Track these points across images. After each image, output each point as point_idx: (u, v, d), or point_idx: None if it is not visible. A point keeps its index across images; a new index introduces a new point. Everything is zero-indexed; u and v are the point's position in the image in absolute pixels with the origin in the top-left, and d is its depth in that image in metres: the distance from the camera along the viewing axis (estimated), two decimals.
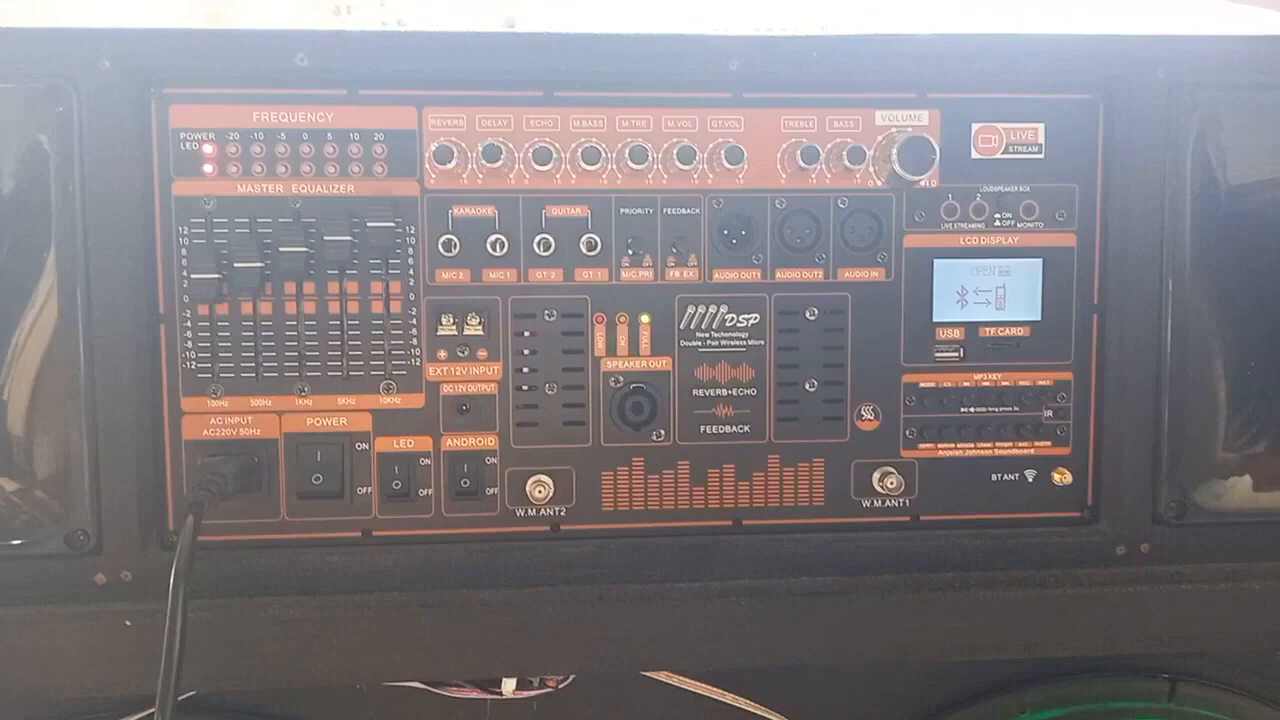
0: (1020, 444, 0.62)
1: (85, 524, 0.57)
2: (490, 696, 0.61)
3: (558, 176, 0.58)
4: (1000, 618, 0.62)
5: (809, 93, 0.59)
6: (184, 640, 0.50)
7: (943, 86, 0.60)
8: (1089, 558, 0.62)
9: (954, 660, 0.64)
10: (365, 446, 0.59)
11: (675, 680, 0.64)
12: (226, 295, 0.57)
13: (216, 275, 0.57)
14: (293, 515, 0.59)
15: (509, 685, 0.61)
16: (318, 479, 0.59)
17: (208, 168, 0.57)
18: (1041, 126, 0.60)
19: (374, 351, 0.59)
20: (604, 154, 0.58)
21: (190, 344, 0.58)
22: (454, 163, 0.57)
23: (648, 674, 0.64)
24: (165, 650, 0.49)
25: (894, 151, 0.58)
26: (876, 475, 0.62)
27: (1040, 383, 0.62)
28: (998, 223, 0.61)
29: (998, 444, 0.62)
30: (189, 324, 0.58)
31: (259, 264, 0.57)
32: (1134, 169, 0.60)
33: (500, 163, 0.57)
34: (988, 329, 0.61)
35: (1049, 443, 0.62)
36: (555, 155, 0.58)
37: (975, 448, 0.62)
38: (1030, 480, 0.62)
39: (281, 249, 0.57)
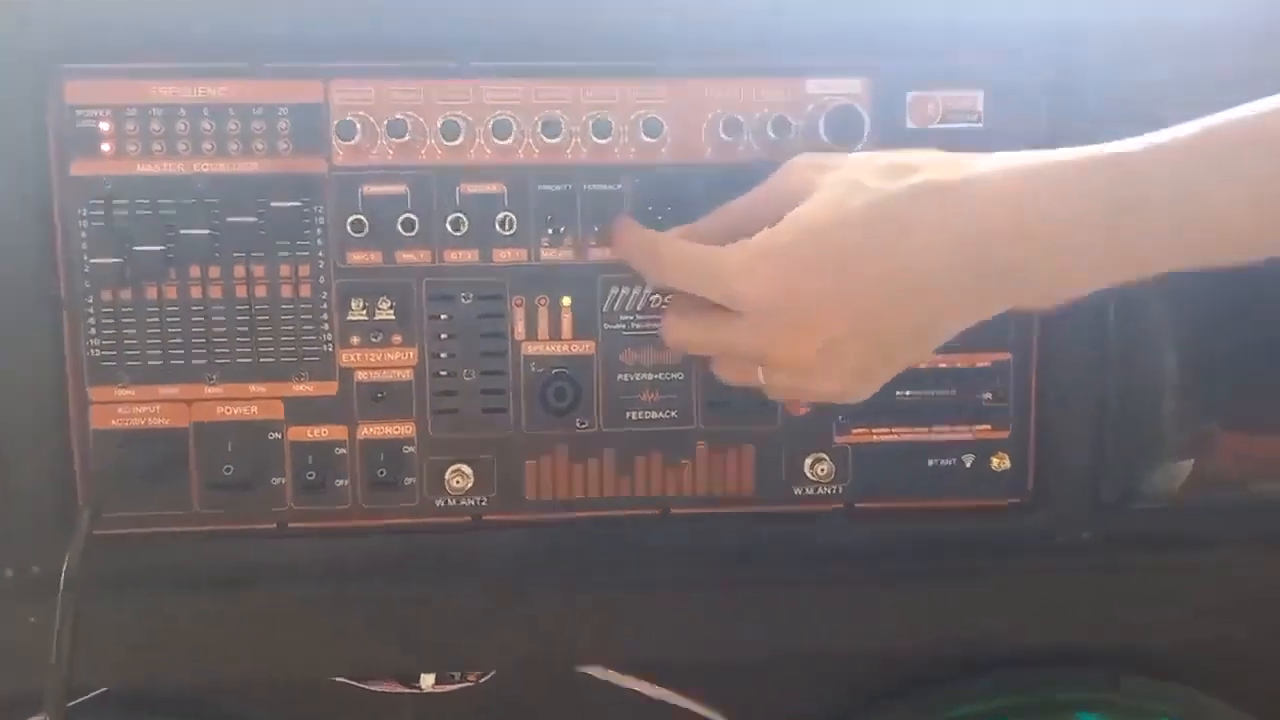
0: (958, 428, 0.60)
1: None
2: (410, 690, 0.60)
3: (471, 152, 0.56)
4: (937, 607, 0.61)
5: (734, 61, 0.56)
6: (76, 637, 0.48)
7: (875, 52, 0.57)
8: (1029, 545, 0.60)
9: (888, 651, 0.62)
10: (278, 436, 0.57)
11: (604, 674, 0.62)
12: (129, 280, 0.55)
13: (118, 259, 0.55)
14: (205, 507, 0.57)
15: (428, 679, 0.59)
16: (229, 469, 0.57)
17: (105, 146, 0.55)
18: (980, 94, 0.58)
19: (284, 337, 0.57)
20: (517, 127, 0.55)
21: (94, 331, 0.56)
22: (361, 138, 0.55)
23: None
24: (55, 647, 0.48)
25: (820, 122, 0.55)
26: (808, 462, 0.60)
27: (978, 364, 0.60)
28: None
29: (934, 428, 0.60)
30: (92, 311, 0.56)
31: (160, 247, 0.55)
32: (1077, 138, 0.57)
33: (409, 137, 0.55)
34: None
35: (988, 426, 0.60)
36: (467, 129, 0.55)
37: (911, 432, 0.60)
38: (968, 466, 0.60)
39: (184, 231, 0.55)
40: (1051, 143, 0.57)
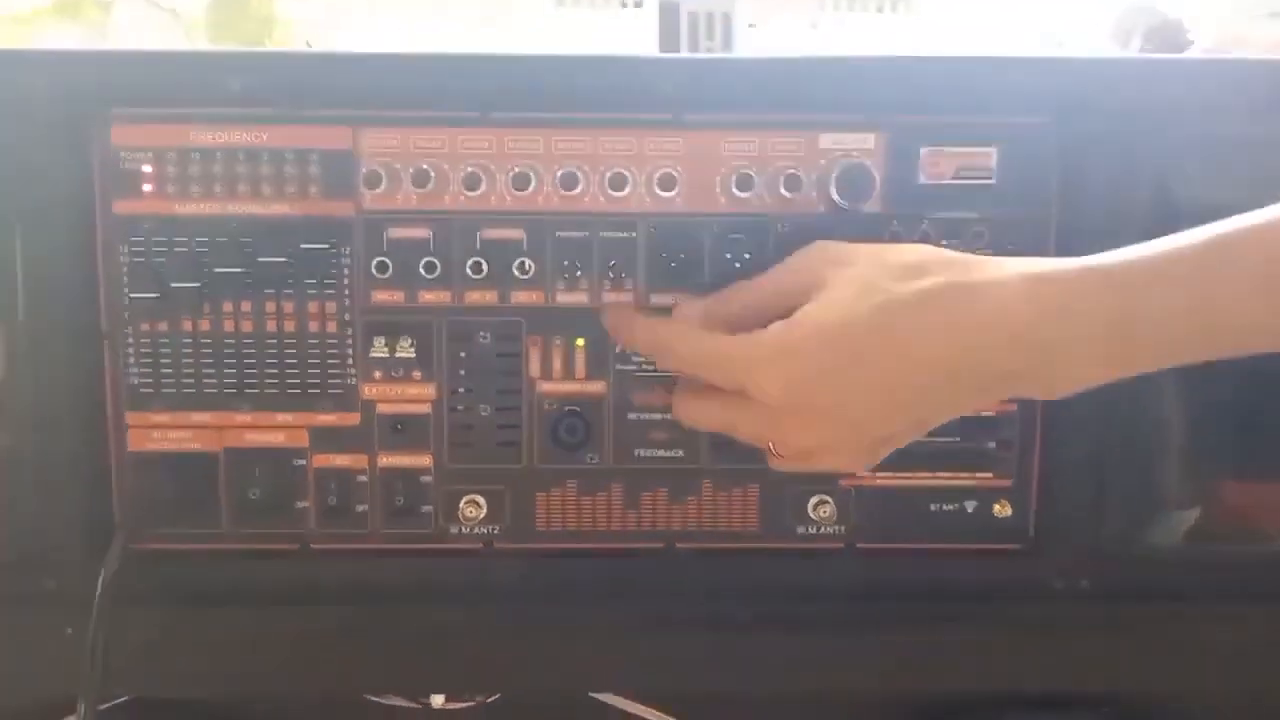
0: (961, 474, 0.61)
1: (34, 531, 0.59)
2: (419, 706, 0.62)
3: (492, 199, 0.58)
4: (935, 650, 0.62)
5: (750, 114, 0.58)
6: (108, 648, 0.51)
7: (890, 109, 0.58)
8: (1027, 592, 0.61)
9: (886, 691, 0.64)
10: (303, 463, 0.60)
11: (610, 699, 0.65)
12: (166, 313, 0.58)
13: (155, 294, 0.58)
14: (233, 527, 0.60)
15: (438, 698, 0.62)
16: (256, 493, 0.60)
17: (147, 187, 0.58)
18: (994, 151, 0.59)
19: (310, 370, 0.59)
20: (535, 178, 0.57)
21: (133, 360, 0.59)
22: (386, 185, 0.57)
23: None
24: (90, 656, 0.51)
25: (831, 179, 0.57)
26: (812, 503, 0.61)
27: (984, 413, 0.61)
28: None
29: (937, 474, 0.61)
30: (131, 341, 0.59)
31: (196, 284, 0.58)
32: (1089, 196, 0.58)
33: (433, 186, 0.57)
34: None
35: (990, 474, 0.61)
36: (489, 178, 0.57)
37: (914, 477, 0.61)
38: (970, 512, 0.61)
39: (218, 269, 0.58)
40: (1062, 200, 0.59)
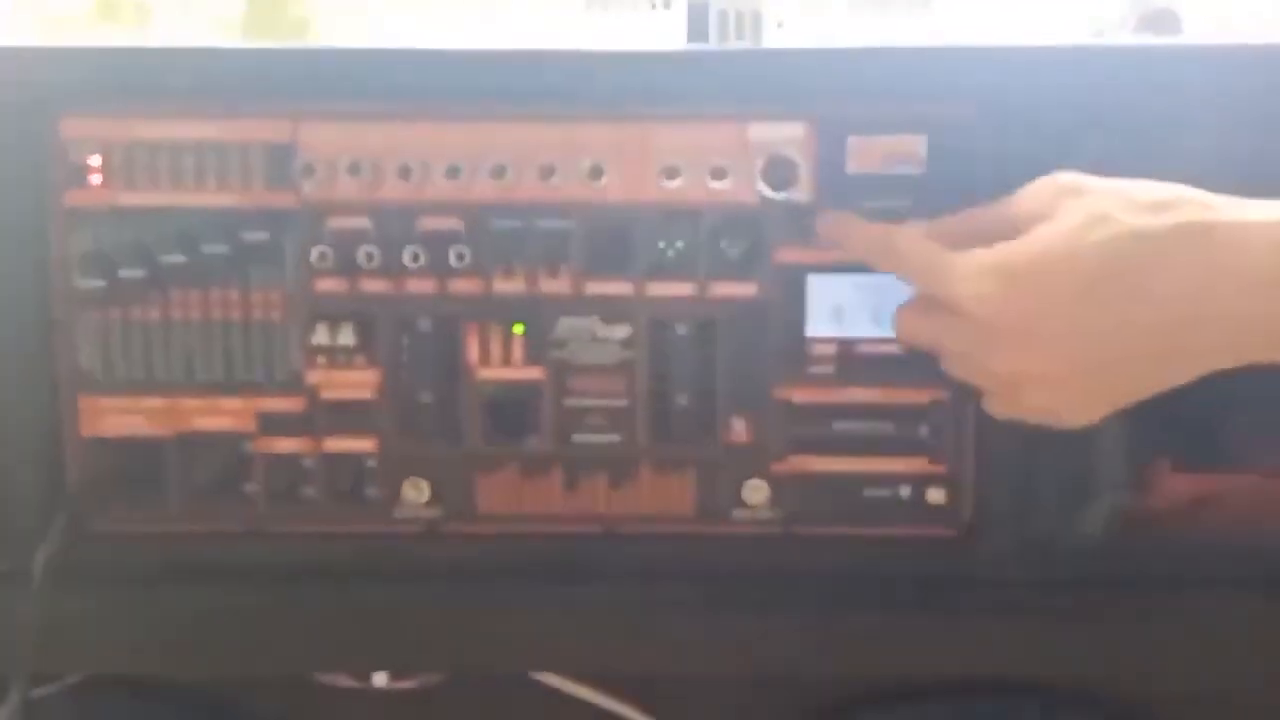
0: (894, 460, 0.62)
1: None
2: (363, 685, 0.64)
3: (429, 189, 0.59)
4: (869, 634, 0.63)
5: (679, 106, 0.59)
6: (48, 628, 0.53)
7: (818, 99, 0.59)
8: (959, 580, 0.62)
9: (820, 674, 0.65)
10: (251, 447, 0.62)
11: (553, 680, 0.66)
12: (115, 301, 0.60)
13: (104, 283, 0.60)
14: (182, 510, 0.62)
15: (381, 677, 0.64)
16: (205, 476, 0.62)
17: (95, 179, 0.59)
18: (923, 139, 0.59)
19: (256, 357, 0.61)
20: (469, 169, 0.59)
21: (84, 347, 0.61)
22: (326, 177, 0.59)
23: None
24: (18, 635, 0.53)
25: (757, 168, 0.58)
26: (747, 488, 0.62)
27: (917, 400, 0.61)
28: None
29: (871, 460, 0.62)
30: (82, 328, 0.61)
31: (143, 272, 0.60)
32: (1018, 184, 0.59)
33: (370, 177, 0.59)
34: (863, 345, 0.61)
35: (924, 459, 0.62)
36: (424, 170, 0.59)
37: (848, 462, 0.62)
38: (904, 498, 0.62)
39: (164, 259, 0.60)
40: (992, 188, 0.59)
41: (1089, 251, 0.45)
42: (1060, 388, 0.48)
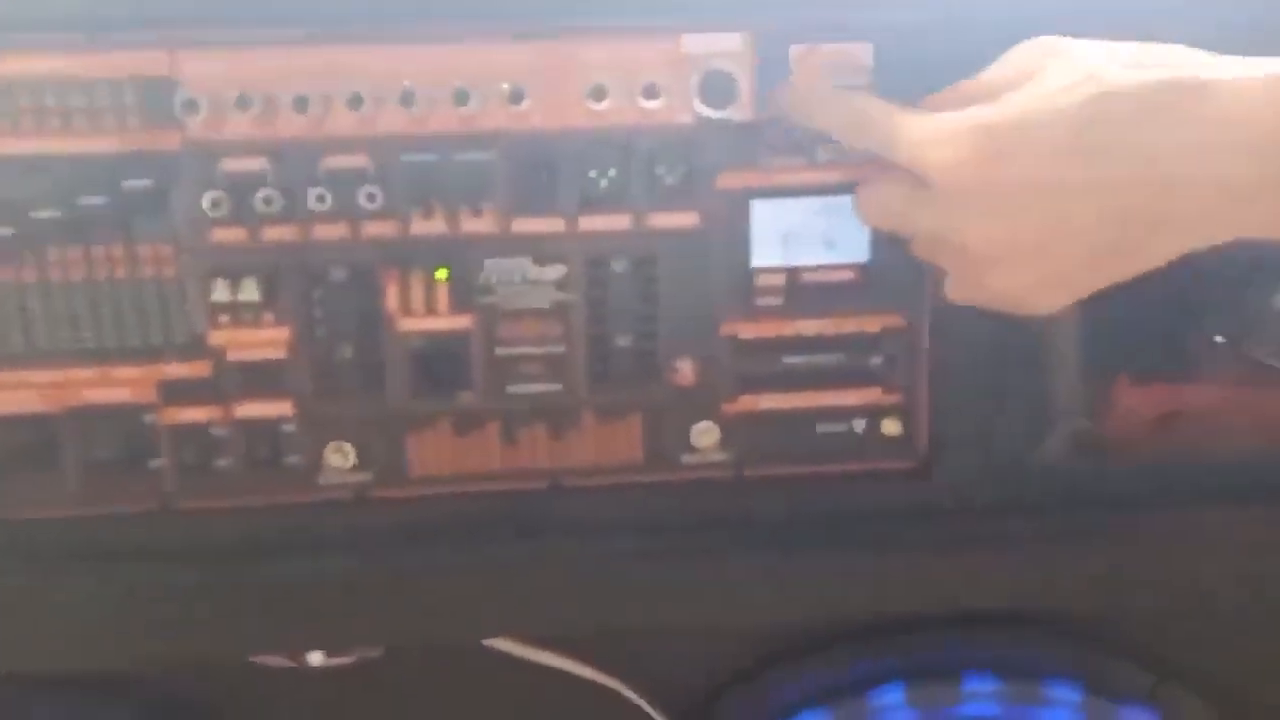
0: (847, 393, 0.59)
1: None
2: (296, 665, 0.60)
3: (329, 124, 0.53)
4: (829, 574, 0.61)
5: (604, 20, 0.54)
6: None
7: (755, 5, 0.54)
8: (919, 512, 0.59)
9: (781, 617, 0.63)
10: (153, 418, 0.56)
11: (499, 645, 0.63)
12: None
13: None
14: (84, 490, 0.57)
15: (315, 656, 0.60)
16: (106, 453, 0.56)
17: None
18: (870, 47, 0.55)
19: (150, 319, 0.55)
20: (372, 98, 0.53)
21: None
22: (212, 113, 0.52)
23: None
24: None
25: (691, 84, 0.53)
26: (696, 430, 0.59)
27: (869, 329, 0.58)
28: (821, 158, 0.56)
29: (823, 393, 0.59)
30: None
31: (11, 230, 0.53)
32: None
33: (262, 111, 0.53)
34: (811, 274, 0.57)
35: (878, 389, 0.59)
36: (323, 101, 0.53)
37: (800, 398, 0.59)
38: (859, 431, 0.59)
39: (34, 214, 0.53)
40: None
41: (1072, 108, 0.42)
42: (1030, 263, 0.45)
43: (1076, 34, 0.47)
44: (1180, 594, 0.61)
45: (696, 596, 0.60)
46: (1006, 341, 0.57)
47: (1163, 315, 0.59)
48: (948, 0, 0.54)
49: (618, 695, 0.67)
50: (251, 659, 0.63)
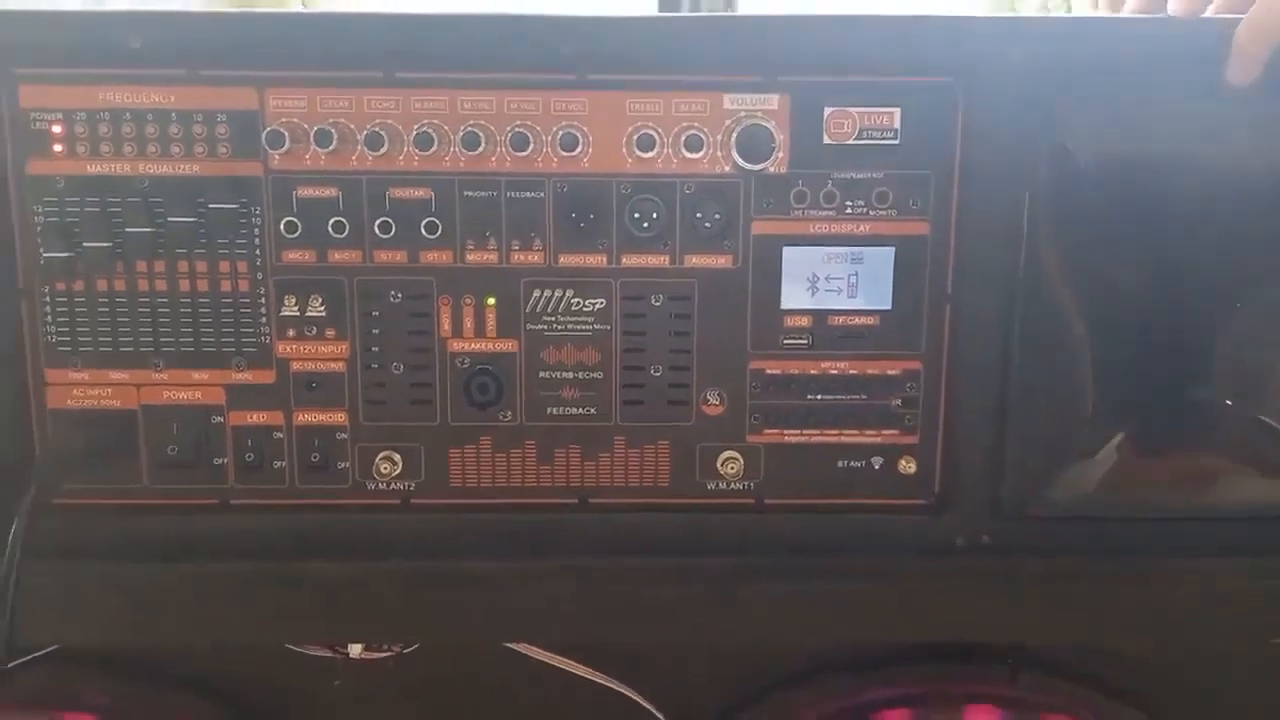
0: (867, 431, 0.62)
1: None
2: (338, 655, 0.64)
3: (399, 159, 0.59)
4: (841, 602, 0.64)
5: (654, 75, 0.58)
6: (19, 599, 0.53)
7: (794, 69, 0.58)
8: (930, 548, 0.62)
9: (794, 640, 0.65)
10: (220, 420, 0.61)
11: (526, 650, 0.66)
12: (80, 273, 0.59)
13: (69, 254, 0.59)
14: (153, 483, 0.62)
15: (355, 647, 0.64)
16: (174, 449, 0.61)
17: (57, 148, 0.58)
18: (898, 111, 0.59)
19: (224, 329, 0.60)
20: (439, 139, 0.58)
21: (50, 319, 0.60)
22: (293, 146, 0.58)
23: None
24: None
25: (733, 139, 0.57)
26: (720, 459, 0.62)
27: (889, 372, 0.62)
28: (849, 210, 0.60)
29: (844, 431, 0.62)
30: (48, 300, 0.60)
31: (108, 243, 0.58)
32: (989, 156, 0.59)
33: (338, 146, 0.58)
34: (837, 318, 0.61)
35: (896, 431, 0.62)
36: (394, 138, 0.58)
37: (821, 434, 0.62)
38: (876, 468, 0.63)
39: (129, 229, 0.58)
40: (964, 159, 0.59)
41: None
42: None
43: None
44: (1178, 639, 0.63)
45: (713, 617, 0.63)
46: (1018, 389, 0.60)
47: (1172, 374, 0.61)
48: (964, 70, 0.58)
49: (634, 704, 0.70)
50: (295, 648, 0.67)
